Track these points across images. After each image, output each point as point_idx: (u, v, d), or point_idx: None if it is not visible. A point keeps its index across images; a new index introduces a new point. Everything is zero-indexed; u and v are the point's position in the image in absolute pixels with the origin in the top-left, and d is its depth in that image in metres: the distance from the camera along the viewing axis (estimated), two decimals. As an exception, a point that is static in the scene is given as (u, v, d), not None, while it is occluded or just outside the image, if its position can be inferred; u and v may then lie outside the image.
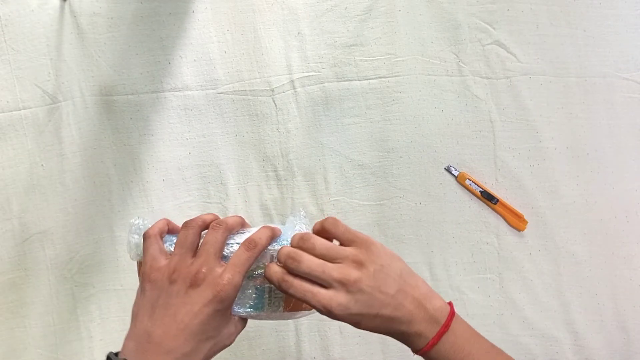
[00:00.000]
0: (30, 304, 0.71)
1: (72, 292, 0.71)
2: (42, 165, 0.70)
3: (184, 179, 0.71)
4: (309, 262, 0.45)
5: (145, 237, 0.47)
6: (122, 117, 0.70)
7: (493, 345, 0.48)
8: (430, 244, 0.72)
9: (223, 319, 0.45)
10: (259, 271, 0.48)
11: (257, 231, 0.48)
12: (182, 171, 0.71)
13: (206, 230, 0.47)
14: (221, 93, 0.70)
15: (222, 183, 0.72)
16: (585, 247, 0.72)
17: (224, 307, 0.44)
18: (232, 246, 0.47)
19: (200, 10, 0.69)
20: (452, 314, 0.47)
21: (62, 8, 0.68)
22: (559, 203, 0.72)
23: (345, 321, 0.45)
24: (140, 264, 0.50)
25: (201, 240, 0.47)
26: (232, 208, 0.71)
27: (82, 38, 0.68)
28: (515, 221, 0.72)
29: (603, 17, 0.70)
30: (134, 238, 0.49)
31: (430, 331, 0.45)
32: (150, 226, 0.48)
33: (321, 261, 0.45)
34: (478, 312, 0.72)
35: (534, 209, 0.72)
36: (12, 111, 0.69)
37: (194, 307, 0.43)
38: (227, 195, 0.72)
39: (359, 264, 0.45)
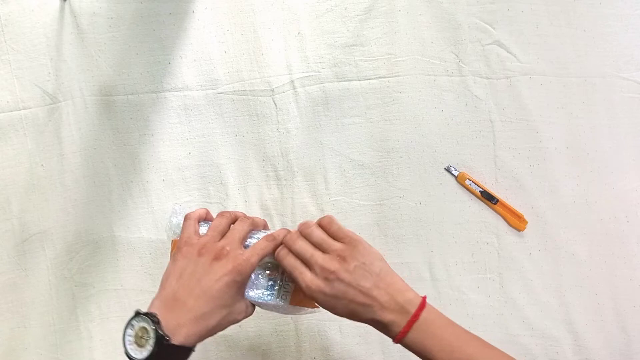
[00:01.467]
0: (30, 304, 0.71)
1: (72, 292, 0.71)
2: (42, 165, 0.70)
3: (184, 179, 0.71)
4: (302, 245, 0.54)
5: (186, 218, 0.57)
6: (122, 117, 0.70)
7: (467, 331, 0.52)
8: (430, 244, 0.72)
9: (238, 292, 0.53)
10: (273, 263, 0.57)
11: (277, 230, 0.57)
12: (182, 171, 0.71)
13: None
14: (221, 93, 0.71)
15: (222, 183, 0.72)
16: (585, 247, 0.72)
17: (241, 279, 0.52)
18: (254, 239, 0.56)
19: (200, 10, 0.69)
20: (422, 305, 0.52)
21: (62, 8, 0.68)
22: (559, 203, 0.72)
23: (322, 304, 0.53)
24: (174, 242, 0.59)
25: None
26: (232, 208, 0.71)
27: (82, 38, 0.68)
28: (515, 221, 0.72)
29: (603, 17, 0.70)
30: (176, 219, 0.58)
31: (401, 320, 0.51)
32: (191, 211, 0.58)
33: (312, 247, 0.54)
34: (478, 312, 0.73)
35: (534, 209, 0.72)
36: (12, 111, 0.69)
37: (215, 275, 0.51)
38: (227, 195, 0.72)
39: (342, 258, 0.52)
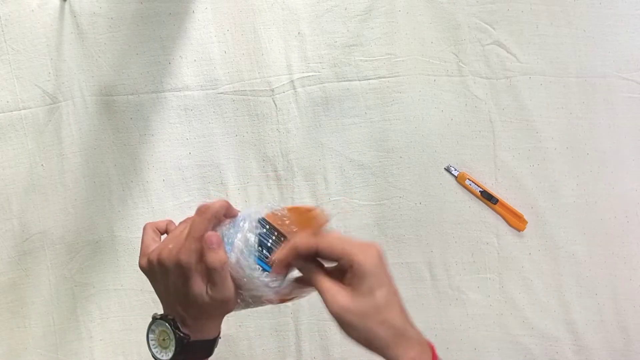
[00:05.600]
0: (30, 304, 0.71)
1: (72, 292, 0.71)
2: (42, 165, 0.70)
3: (184, 179, 0.71)
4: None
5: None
6: (122, 117, 0.70)
7: None
8: (430, 244, 0.72)
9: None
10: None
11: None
12: (182, 171, 0.71)
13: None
14: (221, 93, 0.71)
15: (222, 183, 0.72)
16: (585, 247, 0.72)
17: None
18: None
19: (200, 10, 0.69)
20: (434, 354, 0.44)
21: (62, 8, 0.68)
22: (559, 203, 0.72)
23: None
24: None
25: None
26: (232, 208, 0.72)
27: (82, 38, 0.68)
28: (515, 221, 0.72)
29: (603, 17, 0.70)
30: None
31: (423, 351, 0.43)
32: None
33: None
34: (478, 312, 0.72)
35: (534, 208, 0.72)
36: (12, 111, 0.69)
37: None
38: (227, 195, 0.72)
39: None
